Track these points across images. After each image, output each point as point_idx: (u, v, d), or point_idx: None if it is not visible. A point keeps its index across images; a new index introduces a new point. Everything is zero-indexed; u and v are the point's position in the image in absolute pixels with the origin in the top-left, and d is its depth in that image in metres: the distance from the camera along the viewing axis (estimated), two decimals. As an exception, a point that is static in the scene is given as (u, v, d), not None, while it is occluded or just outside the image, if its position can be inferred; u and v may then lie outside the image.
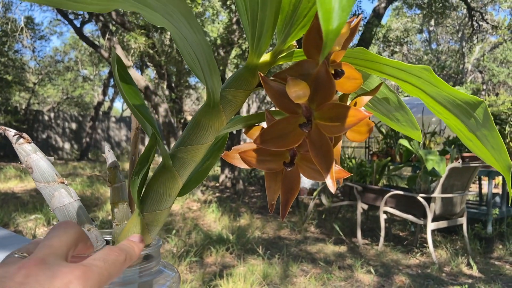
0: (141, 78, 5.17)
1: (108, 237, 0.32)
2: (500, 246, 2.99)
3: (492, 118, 0.27)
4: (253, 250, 2.78)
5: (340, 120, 0.23)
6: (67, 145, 11.98)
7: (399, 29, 11.58)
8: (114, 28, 5.78)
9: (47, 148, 11.36)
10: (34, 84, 12.43)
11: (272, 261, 2.55)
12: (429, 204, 2.64)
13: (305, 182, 5.09)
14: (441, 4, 6.27)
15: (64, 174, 6.76)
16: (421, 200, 2.63)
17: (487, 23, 7.65)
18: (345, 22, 0.14)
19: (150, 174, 0.31)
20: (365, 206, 3.10)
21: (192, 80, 8.14)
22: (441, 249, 2.88)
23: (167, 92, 6.49)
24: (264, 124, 0.30)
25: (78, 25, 7.82)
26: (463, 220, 2.79)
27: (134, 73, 5.17)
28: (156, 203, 0.29)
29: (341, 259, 2.67)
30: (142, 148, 2.55)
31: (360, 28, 5.52)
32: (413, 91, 0.30)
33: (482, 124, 0.27)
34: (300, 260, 2.60)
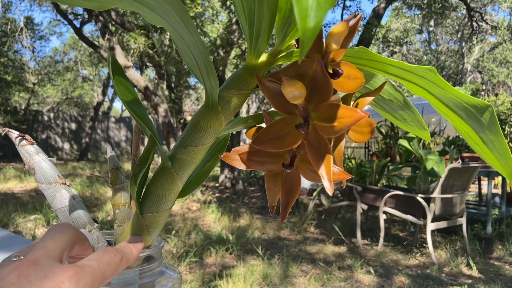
0: (141, 79, 5.17)
1: (110, 238, 0.32)
2: (500, 247, 2.99)
3: (498, 123, 0.26)
4: (253, 250, 2.78)
5: (336, 120, 0.22)
6: (66, 146, 11.97)
7: (399, 30, 11.59)
8: (113, 28, 5.78)
9: (46, 148, 11.36)
10: (34, 84, 12.43)
11: (272, 261, 2.55)
12: (428, 205, 2.64)
13: (305, 183, 5.09)
14: (440, 5, 6.28)
15: (63, 174, 6.72)
16: (421, 200, 2.63)
17: (487, 23, 7.66)
18: (323, 20, 0.14)
19: (151, 174, 0.31)
20: (365, 207, 3.10)
21: (192, 81, 8.15)
22: (440, 250, 2.88)
23: (166, 93, 6.49)
24: (264, 125, 0.30)
25: (78, 25, 7.82)
26: (462, 221, 2.79)
27: (134, 73, 5.17)
28: (156, 205, 0.29)
29: (340, 259, 2.67)
30: (143, 149, 2.55)
31: (360, 29, 5.53)
32: (419, 91, 0.29)
33: (488, 128, 0.27)
34: (300, 260, 2.60)
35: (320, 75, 0.22)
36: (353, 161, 3.74)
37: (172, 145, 4.50)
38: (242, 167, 0.27)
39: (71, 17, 6.90)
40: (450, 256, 2.72)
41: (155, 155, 0.33)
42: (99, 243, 0.30)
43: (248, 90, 0.28)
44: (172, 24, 0.23)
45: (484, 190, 4.44)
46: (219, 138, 0.36)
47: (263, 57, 0.28)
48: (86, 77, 14.88)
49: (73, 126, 12.20)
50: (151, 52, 5.23)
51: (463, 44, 14.12)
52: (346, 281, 2.29)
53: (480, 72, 14.90)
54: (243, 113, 9.63)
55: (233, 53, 5.73)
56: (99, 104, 11.44)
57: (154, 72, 6.47)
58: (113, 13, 5.05)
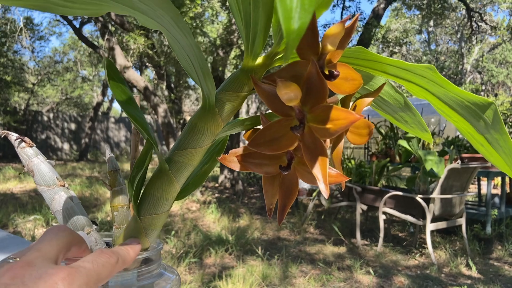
0: (140, 79, 5.17)
1: (108, 240, 0.32)
2: (499, 247, 2.99)
3: (502, 121, 0.26)
4: (253, 251, 2.78)
5: (332, 122, 0.22)
6: (66, 146, 11.97)
7: (398, 30, 11.59)
8: (113, 29, 5.77)
9: (46, 148, 11.36)
10: (33, 84, 12.42)
11: (272, 262, 2.55)
12: (428, 205, 2.64)
13: (305, 183, 5.09)
14: (440, 5, 6.28)
15: (63, 174, 6.76)
16: (420, 201, 2.63)
17: (486, 23, 7.66)
18: (308, 22, 0.14)
19: (150, 175, 0.31)
20: (364, 207, 3.10)
21: (191, 81, 8.14)
22: (440, 250, 2.88)
23: (166, 93, 6.49)
24: (261, 127, 0.30)
25: (77, 26, 7.81)
26: (462, 221, 2.79)
27: (133, 74, 5.17)
28: (153, 207, 0.29)
29: (340, 260, 2.67)
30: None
31: (359, 29, 5.53)
32: (419, 91, 0.29)
33: (492, 127, 0.26)
34: (300, 261, 2.60)
35: (315, 77, 0.22)
36: (352, 161, 3.74)
37: (172, 145, 4.48)
38: (240, 169, 0.27)
39: (70, 17, 6.91)
40: (450, 257, 2.72)
41: (154, 156, 0.33)
42: (98, 245, 0.30)
43: (245, 92, 0.28)
44: (167, 27, 0.23)
45: (484, 190, 4.44)
46: (217, 140, 0.35)
47: (260, 59, 0.28)
48: (85, 78, 14.87)
49: (73, 126, 12.19)
50: (150, 52, 5.23)
51: (463, 44, 14.13)
52: (345, 281, 2.29)
53: (479, 73, 14.90)
54: (243, 113, 9.62)
55: (232, 54, 5.73)
56: (99, 104, 11.44)
57: (154, 72, 6.47)
58: (112, 14, 5.05)
